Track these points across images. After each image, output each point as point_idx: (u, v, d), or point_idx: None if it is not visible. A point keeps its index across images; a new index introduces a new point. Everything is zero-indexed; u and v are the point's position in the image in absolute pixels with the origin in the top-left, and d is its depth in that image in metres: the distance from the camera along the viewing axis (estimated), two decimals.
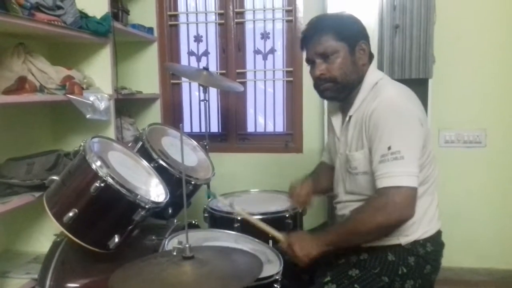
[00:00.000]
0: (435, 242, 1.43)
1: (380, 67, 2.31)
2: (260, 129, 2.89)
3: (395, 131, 1.30)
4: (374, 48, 2.30)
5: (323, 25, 1.44)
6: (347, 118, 1.46)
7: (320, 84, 1.45)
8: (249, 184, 2.29)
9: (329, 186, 1.69)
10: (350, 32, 1.42)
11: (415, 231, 1.39)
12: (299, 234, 1.47)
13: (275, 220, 1.78)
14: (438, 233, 1.46)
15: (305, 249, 1.38)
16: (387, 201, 1.27)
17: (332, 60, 1.41)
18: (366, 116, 1.36)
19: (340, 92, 1.45)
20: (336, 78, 1.41)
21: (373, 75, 1.44)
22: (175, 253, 1.13)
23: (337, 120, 1.54)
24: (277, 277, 1.32)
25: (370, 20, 2.31)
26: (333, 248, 1.38)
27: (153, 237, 1.57)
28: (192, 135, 2.18)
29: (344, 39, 1.40)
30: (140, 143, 1.77)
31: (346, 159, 1.47)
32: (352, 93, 1.45)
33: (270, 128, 2.88)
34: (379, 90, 1.39)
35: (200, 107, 2.84)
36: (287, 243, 1.43)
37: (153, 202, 1.43)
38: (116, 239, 1.39)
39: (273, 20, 2.79)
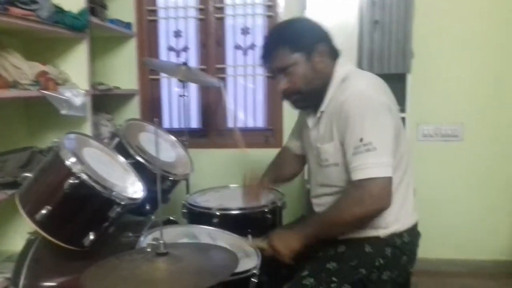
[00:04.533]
0: (412, 232, 1.45)
1: (360, 62, 2.33)
2: (240, 124, 2.88)
3: (366, 122, 1.30)
4: (353, 44, 2.34)
5: (276, 39, 1.43)
6: (319, 114, 1.47)
7: (287, 98, 1.47)
8: (229, 180, 2.28)
9: (291, 174, 1.79)
10: (304, 40, 1.40)
11: (394, 223, 1.40)
12: (278, 234, 1.45)
13: (254, 215, 1.78)
14: (415, 224, 1.48)
15: (287, 245, 1.39)
16: (363, 193, 1.28)
17: (292, 73, 1.40)
18: (336, 108, 1.37)
19: (309, 101, 1.46)
20: (300, 89, 1.42)
21: (341, 70, 1.43)
22: (149, 250, 1.12)
23: (309, 115, 1.54)
24: (254, 271, 1.32)
25: (350, 16, 2.33)
26: (313, 240, 1.39)
27: (130, 234, 1.56)
28: (171, 131, 2.16)
29: (299, 49, 1.39)
30: (117, 139, 1.75)
31: (317, 152, 1.48)
32: (322, 93, 1.45)
33: (250, 124, 2.88)
34: (349, 83, 1.39)
35: (179, 102, 2.82)
36: (269, 246, 1.43)
37: (129, 199, 1.42)
38: (91, 237, 1.37)
39: (254, 16, 2.78)
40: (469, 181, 2.60)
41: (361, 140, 1.29)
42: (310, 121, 1.52)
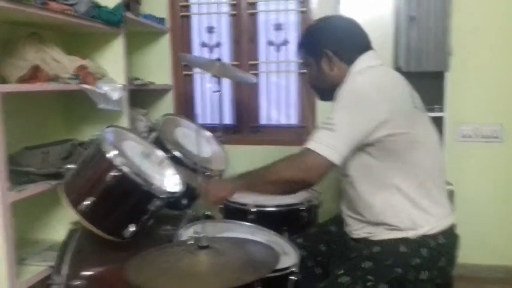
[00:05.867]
0: (448, 234, 1.41)
1: (396, 59, 2.28)
2: (273, 121, 2.87)
3: (342, 108, 1.33)
4: (389, 40, 2.29)
5: (299, 41, 1.61)
6: None
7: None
8: None
9: None
10: (311, 45, 1.52)
11: (421, 226, 1.37)
12: (216, 179, 1.58)
13: (290, 212, 1.77)
14: (451, 228, 1.43)
15: (217, 189, 1.45)
16: (300, 159, 1.32)
17: (308, 71, 1.57)
18: None
19: (323, 95, 1.57)
20: (313, 85, 1.58)
21: (360, 64, 1.44)
22: (191, 242, 1.12)
23: None
24: (293, 269, 1.31)
25: (385, 11, 2.28)
26: (243, 191, 1.46)
27: (168, 227, 1.57)
28: (204, 127, 2.16)
29: (308, 53, 1.53)
30: (154, 134, 1.77)
31: None
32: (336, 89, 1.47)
33: (283, 121, 2.86)
34: (358, 75, 1.40)
35: (213, 98, 2.83)
36: (202, 185, 1.49)
37: (168, 192, 1.43)
38: (132, 228, 1.38)
39: (287, 11, 2.76)
40: (510, 184, 2.51)
41: (329, 118, 1.32)
42: None
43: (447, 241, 1.39)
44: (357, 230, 1.47)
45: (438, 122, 2.18)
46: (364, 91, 1.35)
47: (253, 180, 1.42)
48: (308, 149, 1.30)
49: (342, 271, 1.37)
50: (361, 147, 1.34)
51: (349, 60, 1.45)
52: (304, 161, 1.31)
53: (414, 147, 1.36)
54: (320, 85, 1.54)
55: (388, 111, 1.32)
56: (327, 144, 1.28)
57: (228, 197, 1.46)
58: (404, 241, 1.37)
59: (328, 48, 1.45)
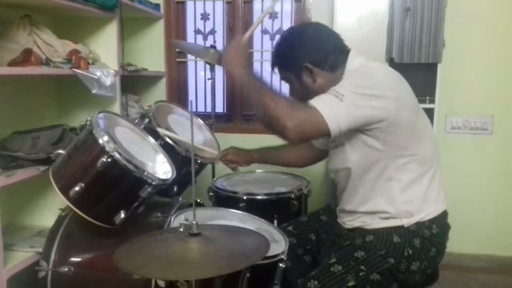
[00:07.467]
0: (441, 224, 1.43)
1: (389, 51, 2.28)
2: None
3: (354, 87, 1.27)
4: (383, 32, 2.29)
5: (273, 57, 1.52)
6: None
7: None
8: (253, 165, 2.28)
9: (294, 161, 1.79)
10: (287, 61, 1.44)
11: (417, 213, 1.39)
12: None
13: (280, 201, 1.78)
14: (444, 214, 1.46)
15: (235, 58, 1.35)
16: (302, 111, 1.25)
17: (290, 85, 1.48)
18: None
19: None
20: (298, 98, 1.46)
21: (353, 63, 1.40)
22: (181, 230, 1.13)
23: None
24: (282, 257, 1.33)
25: (380, 3, 2.27)
26: (245, 86, 1.34)
27: (158, 214, 1.57)
28: (197, 115, 2.16)
29: (287, 69, 1.45)
30: (146, 120, 1.76)
31: None
32: None
33: None
34: (361, 67, 1.39)
35: (206, 86, 2.82)
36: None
37: (160, 179, 1.43)
38: (122, 215, 1.39)
39: (282, 0, 2.74)
40: (497, 176, 2.54)
41: (337, 91, 1.27)
42: None
43: (439, 230, 1.41)
44: (351, 221, 1.48)
45: (428, 113, 2.20)
46: (380, 78, 1.34)
47: (257, 87, 1.31)
48: (314, 106, 1.24)
49: (334, 260, 1.38)
50: (364, 137, 1.34)
51: (331, 66, 1.40)
52: (302, 112, 1.24)
53: (415, 138, 1.37)
54: (306, 97, 1.40)
55: (397, 99, 1.31)
56: (332, 111, 1.23)
57: (235, 75, 1.34)
58: (398, 230, 1.38)
59: (306, 61, 1.39)
